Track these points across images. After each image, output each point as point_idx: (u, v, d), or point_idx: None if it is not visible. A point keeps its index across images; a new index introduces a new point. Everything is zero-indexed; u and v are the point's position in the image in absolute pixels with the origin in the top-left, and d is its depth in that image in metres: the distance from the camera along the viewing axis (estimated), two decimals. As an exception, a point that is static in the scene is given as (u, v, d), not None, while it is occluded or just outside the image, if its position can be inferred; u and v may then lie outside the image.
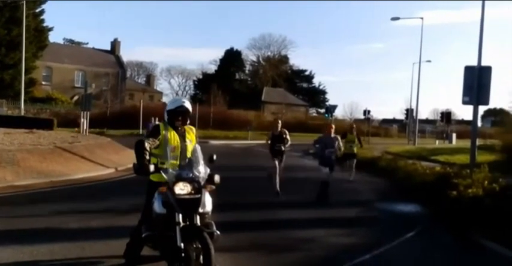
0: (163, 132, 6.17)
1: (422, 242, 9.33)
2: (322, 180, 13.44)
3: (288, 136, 15.17)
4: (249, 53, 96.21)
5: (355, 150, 18.50)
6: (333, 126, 14.35)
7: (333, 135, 13.92)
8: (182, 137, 6.24)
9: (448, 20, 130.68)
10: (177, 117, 6.21)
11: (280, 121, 16.14)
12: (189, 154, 6.12)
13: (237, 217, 10.57)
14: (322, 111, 78.75)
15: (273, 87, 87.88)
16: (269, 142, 15.26)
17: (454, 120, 66.75)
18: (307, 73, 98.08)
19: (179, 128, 6.27)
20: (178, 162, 5.97)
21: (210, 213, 5.99)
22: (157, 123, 6.40)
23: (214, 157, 6.44)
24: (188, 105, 6.24)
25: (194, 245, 5.60)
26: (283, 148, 14.96)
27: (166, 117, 6.29)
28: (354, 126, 19.61)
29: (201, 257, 5.50)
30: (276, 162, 14.62)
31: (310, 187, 14.21)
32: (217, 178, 6.02)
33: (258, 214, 11.45)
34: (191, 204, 5.61)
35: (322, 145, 13.72)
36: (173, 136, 6.18)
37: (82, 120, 31.08)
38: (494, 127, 54.10)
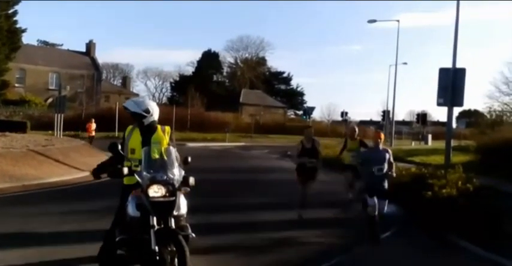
0: (128, 134, 6.20)
1: (398, 243, 9.42)
2: (367, 215, 9.31)
3: (320, 149, 11.95)
4: (227, 55, 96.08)
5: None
6: (382, 135, 10.42)
7: (381, 146, 9.84)
8: (147, 139, 6.13)
9: (424, 23, 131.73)
10: (139, 120, 6.18)
11: (356, 128, 14.05)
12: (156, 156, 5.95)
13: (213, 219, 10.55)
14: (300, 113, 79.15)
15: (251, 89, 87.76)
16: (298, 158, 11.80)
17: (430, 121, 67.25)
18: (285, 75, 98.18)
19: (147, 129, 6.20)
20: (144, 165, 5.78)
21: (185, 216, 5.92)
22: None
23: (189, 159, 6.35)
24: (150, 107, 6.19)
25: (169, 248, 5.54)
26: (316, 165, 11.78)
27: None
28: (356, 129, 13.95)
29: (176, 260, 5.46)
30: (303, 187, 11.54)
31: (287, 189, 14.23)
32: (192, 180, 5.93)
33: (234, 216, 11.46)
34: (165, 207, 5.53)
35: (364, 162, 9.80)
36: (135, 139, 6.16)
37: (56, 122, 30.78)
38: (469, 128, 54.68)
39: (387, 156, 9.62)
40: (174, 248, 5.48)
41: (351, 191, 13.08)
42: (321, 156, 11.90)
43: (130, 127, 6.28)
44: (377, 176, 9.47)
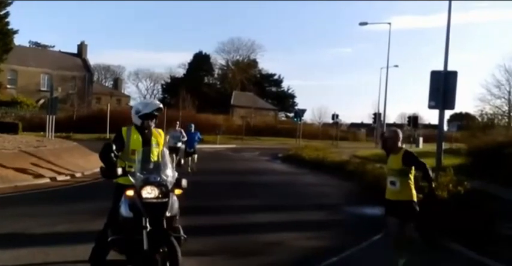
0: (126, 136, 6.19)
1: (389, 245, 9.39)
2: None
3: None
4: (218, 57, 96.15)
5: (409, 192, 7.10)
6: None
7: None
8: (147, 141, 6.21)
9: (416, 25, 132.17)
10: (151, 120, 6.23)
11: (400, 135, 7.57)
12: (154, 158, 6.06)
13: (205, 221, 10.51)
14: (291, 115, 79.15)
15: (242, 91, 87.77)
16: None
17: (421, 124, 67.29)
18: (276, 77, 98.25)
19: (146, 131, 6.26)
20: (140, 166, 5.84)
21: (177, 217, 5.98)
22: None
23: (182, 161, 6.51)
24: (162, 106, 6.31)
25: (161, 250, 5.56)
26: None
27: (138, 121, 6.25)
28: (400, 134, 7.45)
29: (168, 261, 5.47)
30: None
31: (277, 191, 14.20)
32: (184, 182, 5.96)
33: (225, 218, 11.42)
34: (158, 208, 5.55)
35: None
36: (136, 140, 6.18)
37: (48, 123, 30.61)
38: (460, 131, 54.80)
39: None
40: (166, 250, 5.50)
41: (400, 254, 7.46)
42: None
43: (125, 128, 6.31)
44: None
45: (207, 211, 11.94)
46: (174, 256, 5.38)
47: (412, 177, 7.16)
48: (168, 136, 16.96)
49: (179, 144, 19.13)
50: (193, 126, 20.61)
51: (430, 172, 7.12)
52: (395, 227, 7.31)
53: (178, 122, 20.18)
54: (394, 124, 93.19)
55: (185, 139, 19.38)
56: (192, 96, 70.11)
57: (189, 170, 18.31)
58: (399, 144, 7.37)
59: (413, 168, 7.15)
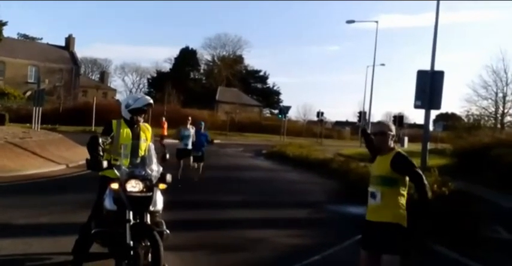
0: (116, 129, 6.20)
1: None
2: None
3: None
4: (204, 52, 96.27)
5: (395, 211, 5.09)
6: None
7: None
8: (136, 135, 6.27)
9: (403, 24, 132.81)
10: (140, 115, 6.27)
11: (393, 128, 5.80)
12: (142, 153, 6.17)
13: (187, 216, 10.46)
14: (276, 111, 79.10)
15: (227, 87, 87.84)
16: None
17: (406, 123, 67.53)
18: (261, 73, 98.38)
19: (135, 126, 6.30)
20: (128, 160, 5.97)
21: (160, 212, 6.06)
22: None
23: (167, 156, 6.63)
24: (152, 102, 6.32)
25: (143, 243, 5.61)
26: None
27: (128, 115, 6.27)
28: (392, 129, 5.43)
29: (150, 255, 5.52)
30: None
31: (260, 187, 14.12)
32: (169, 177, 6.06)
33: (208, 214, 11.37)
34: (142, 202, 5.63)
35: None
36: (126, 134, 6.21)
37: (34, 115, 30.55)
38: (446, 131, 54.99)
39: None
40: (148, 244, 5.55)
41: None
42: None
43: (115, 121, 6.34)
44: None
45: (189, 206, 11.87)
46: (156, 251, 5.40)
47: (403, 189, 5.12)
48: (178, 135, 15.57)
49: (190, 146, 15.62)
50: (203, 124, 17.01)
51: (427, 187, 5.00)
52: None
53: (190, 118, 16.18)
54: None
55: (194, 139, 15.88)
56: (178, 91, 70.23)
57: (195, 179, 15.69)
58: (390, 143, 5.36)
59: (406, 178, 5.14)
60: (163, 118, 30.68)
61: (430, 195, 5.09)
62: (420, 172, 5.09)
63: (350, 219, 12.06)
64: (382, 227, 5.00)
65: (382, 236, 5.00)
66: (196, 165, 16.07)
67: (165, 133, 29.24)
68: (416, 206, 5.06)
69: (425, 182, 5.02)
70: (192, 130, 15.74)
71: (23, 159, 17.58)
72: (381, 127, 5.42)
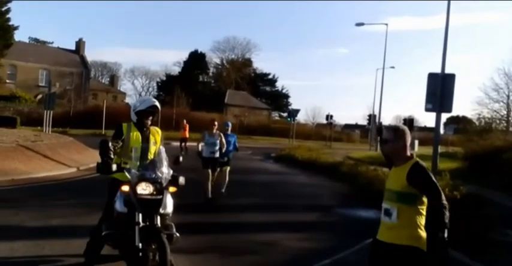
0: (126, 132, 6.23)
1: None
2: None
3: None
4: (213, 56, 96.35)
5: (413, 232, 4.29)
6: None
7: None
8: (146, 138, 6.29)
9: (413, 27, 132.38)
10: (147, 117, 6.28)
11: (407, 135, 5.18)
12: (151, 156, 6.21)
13: (197, 220, 10.43)
14: (285, 114, 79.15)
15: (236, 90, 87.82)
16: None
17: (417, 126, 67.28)
18: (270, 76, 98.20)
19: (145, 129, 6.32)
20: (138, 163, 5.98)
21: (170, 215, 6.10)
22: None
23: (181, 158, 6.59)
24: (158, 105, 6.31)
25: (153, 246, 5.64)
26: None
27: (134, 118, 6.32)
28: (407, 135, 4.51)
29: (157, 258, 5.56)
30: None
31: (270, 190, 14.07)
32: (181, 180, 6.14)
33: (218, 217, 11.35)
34: (152, 205, 5.67)
35: None
36: (135, 137, 6.23)
37: (45, 118, 30.67)
38: (457, 134, 54.71)
39: None
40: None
41: None
42: None
43: (125, 124, 6.37)
44: None
45: (199, 209, 11.88)
46: (163, 253, 5.42)
47: (422, 207, 4.33)
48: (200, 143, 13.12)
49: (217, 154, 13.11)
50: (230, 125, 14.39)
51: (447, 210, 4.13)
52: None
53: (216, 123, 13.28)
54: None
55: (225, 148, 13.24)
56: (187, 94, 70.19)
57: (222, 190, 13.75)
58: (407, 151, 4.47)
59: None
60: (185, 121, 30.69)
61: (447, 228, 4.09)
62: (439, 188, 4.24)
63: (360, 223, 12.00)
64: (397, 251, 4.27)
65: (396, 262, 4.27)
66: (221, 172, 13.83)
67: (187, 135, 29.35)
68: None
69: (444, 202, 4.16)
70: (218, 138, 13.01)
71: (34, 162, 17.63)
72: (394, 132, 4.48)
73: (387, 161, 4.75)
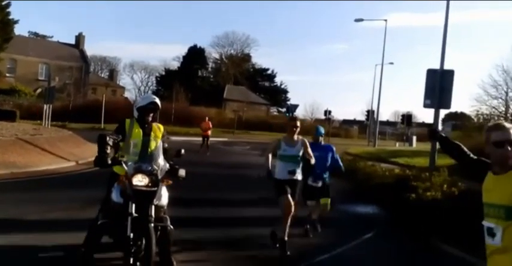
0: (128, 128, 6.32)
1: (380, 244, 9.30)
2: None
3: None
4: (212, 51, 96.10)
5: None
6: None
7: None
8: (146, 134, 6.36)
9: (413, 23, 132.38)
10: (147, 114, 6.36)
11: None
12: (151, 150, 6.26)
13: (195, 213, 10.51)
14: (283, 110, 78.98)
15: (235, 85, 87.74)
16: None
17: (415, 122, 67.41)
18: (269, 72, 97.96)
19: (146, 125, 6.41)
20: (137, 158, 6.09)
21: (165, 207, 6.18)
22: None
23: (183, 151, 6.65)
24: (158, 102, 6.38)
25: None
26: None
27: (136, 114, 6.42)
28: None
29: (157, 247, 5.73)
30: None
31: (268, 185, 14.06)
32: (182, 172, 6.18)
33: (216, 211, 11.42)
34: (146, 196, 5.72)
35: None
36: (136, 133, 6.31)
37: (44, 112, 30.74)
38: (455, 131, 54.69)
39: None
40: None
41: None
42: None
43: (128, 120, 6.46)
44: None
45: (197, 203, 11.95)
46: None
47: None
48: (269, 155, 8.54)
49: (300, 176, 8.46)
50: (322, 131, 10.22)
51: None
52: None
53: (298, 123, 8.52)
54: (387, 122, 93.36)
55: (313, 161, 8.28)
56: (186, 89, 70.24)
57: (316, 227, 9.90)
58: None
59: None
60: (207, 118, 30.10)
61: None
62: None
63: (358, 218, 12.06)
64: None
65: None
66: (312, 208, 9.88)
67: (209, 133, 29.05)
68: None
69: None
70: (301, 148, 8.26)
71: (33, 155, 17.73)
72: (506, 135, 3.61)
73: (474, 170, 4.01)
